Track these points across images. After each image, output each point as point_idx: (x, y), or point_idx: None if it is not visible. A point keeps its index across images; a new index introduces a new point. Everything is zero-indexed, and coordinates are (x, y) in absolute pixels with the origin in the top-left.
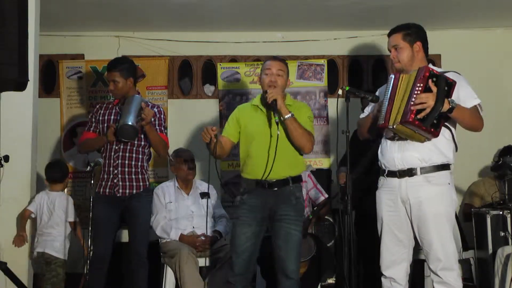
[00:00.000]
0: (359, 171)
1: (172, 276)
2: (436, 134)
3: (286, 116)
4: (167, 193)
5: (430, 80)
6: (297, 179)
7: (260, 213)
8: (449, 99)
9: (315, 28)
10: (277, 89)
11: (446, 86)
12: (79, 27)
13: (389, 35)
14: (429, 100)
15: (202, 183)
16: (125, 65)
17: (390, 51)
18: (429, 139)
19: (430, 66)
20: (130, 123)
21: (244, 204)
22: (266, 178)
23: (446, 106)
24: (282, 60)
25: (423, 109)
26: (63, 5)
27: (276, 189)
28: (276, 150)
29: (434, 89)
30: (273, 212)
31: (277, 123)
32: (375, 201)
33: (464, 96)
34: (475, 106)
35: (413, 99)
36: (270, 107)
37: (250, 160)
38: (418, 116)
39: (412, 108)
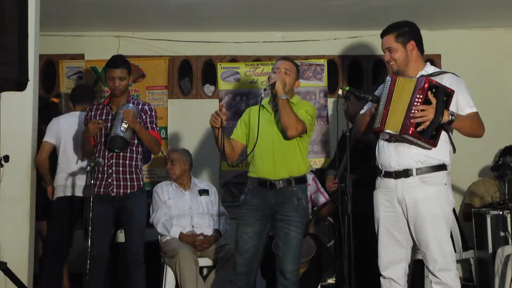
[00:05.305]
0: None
1: (172, 276)
2: (434, 145)
3: (280, 96)
4: (165, 190)
5: (429, 92)
6: (300, 180)
7: (262, 212)
8: (449, 110)
9: (315, 28)
10: (280, 77)
11: (445, 97)
12: (79, 27)
13: (382, 36)
14: (428, 113)
15: (200, 181)
16: (128, 63)
17: (384, 52)
18: (427, 149)
19: (430, 66)
20: (119, 135)
21: (246, 204)
22: (270, 178)
23: (446, 118)
24: (292, 60)
25: (423, 121)
26: (63, 5)
27: (277, 189)
28: (273, 148)
29: (434, 100)
30: (274, 211)
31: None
32: (363, 199)
33: (462, 103)
34: (475, 112)
35: (413, 111)
36: (272, 91)
37: (254, 159)
38: (418, 129)
39: (412, 121)
